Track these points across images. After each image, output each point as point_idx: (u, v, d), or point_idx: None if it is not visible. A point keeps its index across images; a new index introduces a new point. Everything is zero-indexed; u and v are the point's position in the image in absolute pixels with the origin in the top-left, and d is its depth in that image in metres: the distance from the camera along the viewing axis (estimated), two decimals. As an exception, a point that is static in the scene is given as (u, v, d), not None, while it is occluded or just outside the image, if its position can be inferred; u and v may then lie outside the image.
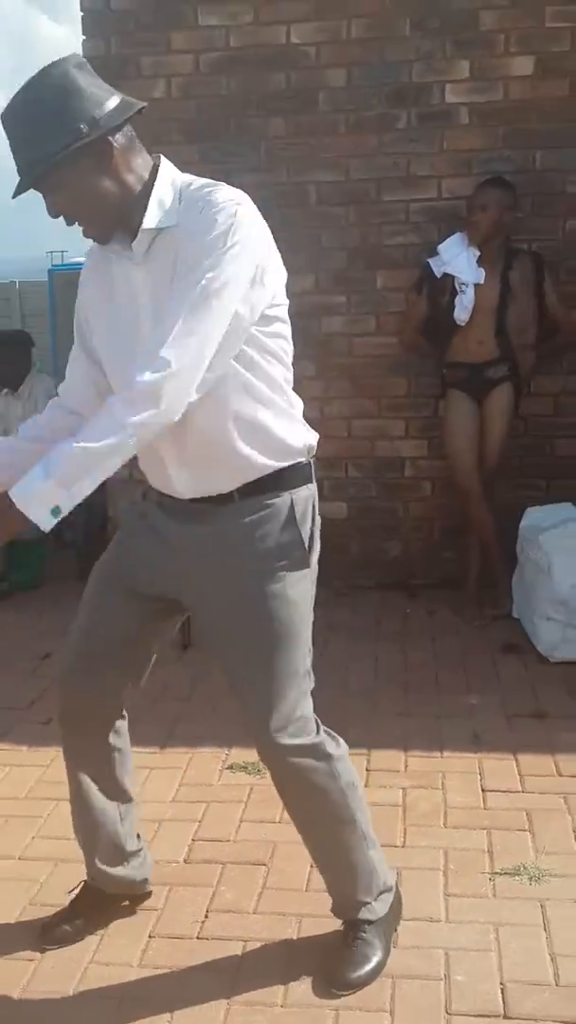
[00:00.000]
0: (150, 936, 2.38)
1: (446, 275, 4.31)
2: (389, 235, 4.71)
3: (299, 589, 2.10)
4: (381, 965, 2.23)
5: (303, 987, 2.20)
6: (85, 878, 2.43)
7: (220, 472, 2.05)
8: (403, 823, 2.83)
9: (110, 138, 1.88)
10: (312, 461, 2.15)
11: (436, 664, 3.93)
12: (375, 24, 4.59)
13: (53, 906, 2.47)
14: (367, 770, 3.10)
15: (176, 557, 2.12)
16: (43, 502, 1.84)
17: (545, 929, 2.37)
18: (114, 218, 1.94)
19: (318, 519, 2.15)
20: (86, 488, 1.86)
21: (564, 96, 4.53)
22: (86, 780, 2.30)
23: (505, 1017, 2.10)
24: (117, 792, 2.34)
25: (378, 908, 2.28)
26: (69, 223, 1.95)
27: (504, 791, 2.98)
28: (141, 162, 1.95)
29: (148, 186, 1.93)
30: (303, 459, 2.11)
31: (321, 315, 4.71)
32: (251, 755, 3.15)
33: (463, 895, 2.51)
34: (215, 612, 2.11)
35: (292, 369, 2.12)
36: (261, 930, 2.39)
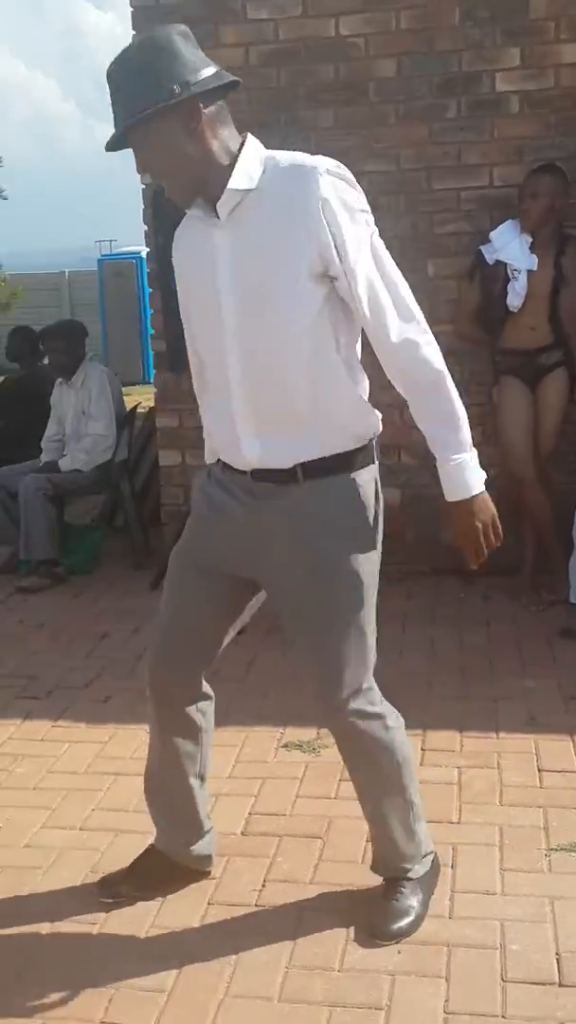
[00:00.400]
0: (209, 903, 2.42)
1: (499, 262, 4.31)
2: (440, 223, 4.71)
3: (366, 568, 2.15)
4: (420, 918, 2.30)
5: (360, 953, 2.22)
6: (152, 843, 2.49)
7: (287, 444, 2.09)
8: (458, 801, 2.84)
9: (200, 104, 1.95)
10: (375, 442, 2.19)
11: (492, 648, 3.93)
12: (424, 15, 4.60)
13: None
14: (422, 749, 3.12)
15: (246, 537, 2.18)
16: (477, 471, 2.15)
17: (602, 903, 2.37)
18: (195, 181, 2.02)
19: (382, 499, 2.19)
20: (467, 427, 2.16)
21: (615, 82, 4.51)
22: (172, 750, 2.37)
23: (560, 985, 2.11)
24: (198, 768, 2.41)
25: (419, 868, 2.35)
26: (154, 181, 2.02)
27: (560, 771, 2.98)
28: (228, 134, 2.02)
29: (234, 157, 2.00)
30: (367, 441, 2.16)
31: (373, 304, 4.72)
32: (306, 734, 3.22)
33: (519, 870, 2.51)
34: (287, 590, 2.17)
35: None
36: (317, 899, 2.42)
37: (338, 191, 2.00)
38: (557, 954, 2.20)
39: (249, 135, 2.06)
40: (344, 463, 2.12)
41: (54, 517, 4.96)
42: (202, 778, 2.44)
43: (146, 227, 4.91)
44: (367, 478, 2.16)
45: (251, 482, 2.16)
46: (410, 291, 2.11)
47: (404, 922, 2.28)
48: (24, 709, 3.52)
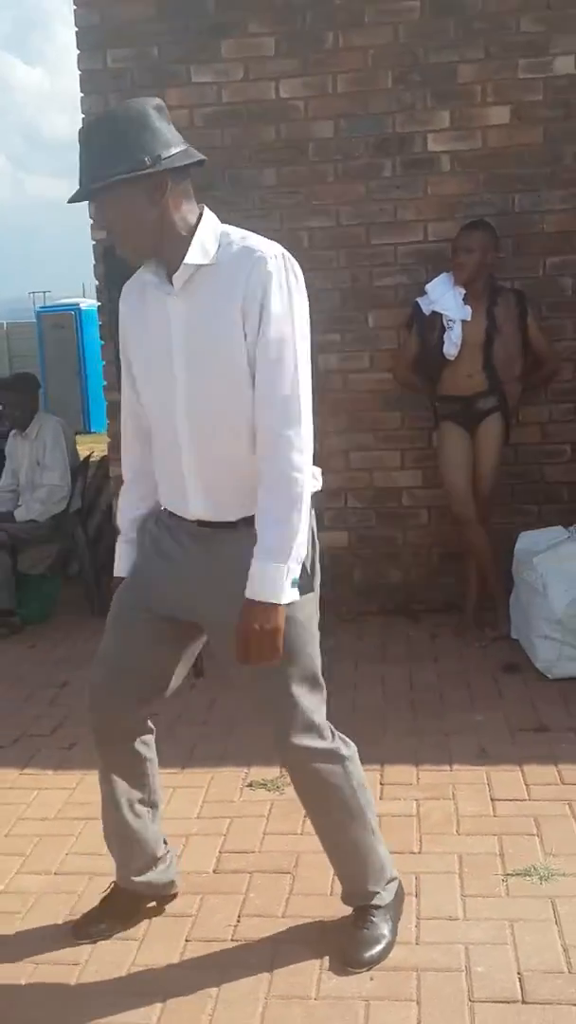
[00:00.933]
0: (186, 940, 2.51)
1: (435, 313, 4.53)
2: (379, 276, 4.94)
3: (307, 610, 2.26)
4: (391, 945, 2.42)
5: (334, 981, 2.34)
6: (114, 880, 2.59)
7: (233, 500, 2.22)
8: (418, 832, 2.98)
9: (168, 178, 2.09)
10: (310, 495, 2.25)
11: (441, 684, 4.09)
12: (359, 79, 4.85)
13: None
14: (380, 784, 3.26)
15: (187, 581, 2.29)
16: (285, 579, 2.10)
17: (557, 923, 2.51)
18: (151, 247, 2.16)
19: (318, 545, 2.31)
20: (304, 539, 2.14)
21: (538, 143, 4.79)
22: (119, 786, 2.47)
23: (524, 1002, 2.25)
24: (147, 797, 2.51)
25: (385, 896, 2.48)
26: (108, 238, 2.14)
27: (512, 800, 3.13)
28: (188, 208, 2.16)
29: (192, 229, 2.14)
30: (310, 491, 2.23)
31: (317, 353, 4.82)
32: (269, 773, 3.34)
33: (478, 895, 2.65)
34: (228, 634, 2.23)
35: None
36: (290, 932, 2.53)
37: (279, 276, 2.11)
38: (519, 973, 2.34)
39: (206, 208, 2.20)
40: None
41: (9, 567, 5.03)
42: (153, 805, 2.53)
43: (97, 282, 5.05)
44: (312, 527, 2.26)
45: (196, 528, 2.27)
46: (307, 395, 2.14)
47: (376, 950, 2.40)
48: (-10, 758, 3.59)
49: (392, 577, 5.05)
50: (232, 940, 2.51)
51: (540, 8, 4.68)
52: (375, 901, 2.46)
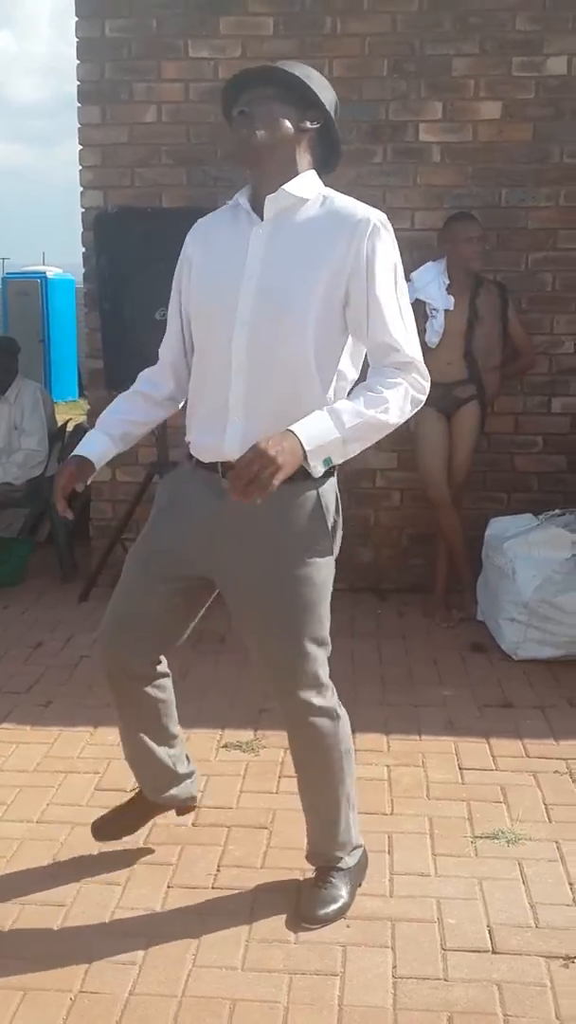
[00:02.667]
0: (168, 886, 2.59)
1: (418, 301, 4.61)
2: (364, 261, 5.01)
3: (324, 572, 2.34)
4: (346, 907, 2.49)
5: (313, 928, 2.43)
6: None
7: None
8: (390, 795, 3.08)
9: (320, 121, 2.25)
10: None
11: (409, 660, 4.20)
12: (355, 65, 4.92)
13: (76, 862, 2.68)
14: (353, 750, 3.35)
15: (208, 534, 2.33)
16: (326, 452, 2.08)
17: (524, 883, 2.64)
18: (268, 157, 2.21)
19: (340, 508, 2.38)
20: (357, 450, 2.16)
21: (527, 139, 4.91)
22: (133, 723, 2.56)
23: (494, 952, 2.36)
24: (164, 737, 2.59)
25: (348, 860, 2.55)
26: (245, 128, 2.19)
27: (479, 769, 3.25)
28: (311, 160, 2.29)
29: (300, 172, 2.25)
30: None
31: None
32: (244, 735, 3.43)
33: (449, 855, 2.77)
34: (245, 589, 2.32)
35: None
36: (269, 882, 2.62)
37: (383, 242, 2.20)
38: (488, 927, 2.45)
39: (315, 172, 2.30)
40: (309, 472, 2.17)
41: (-18, 528, 5.04)
42: (171, 742, 2.61)
43: (84, 249, 5.06)
44: (328, 488, 2.31)
45: (219, 479, 2.27)
46: (416, 339, 2.25)
47: (331, 908, 2.47)
48: (-34, 712, 3.62)
49: (363, 556, 5.14)
50: (213, 888, 2.60)
51: (536, 8, 4.79)
52: (339, 864, 2.54)
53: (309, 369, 2.21)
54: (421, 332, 4.52)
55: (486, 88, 4.90)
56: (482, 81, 4.90)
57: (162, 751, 2.59)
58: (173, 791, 2.67)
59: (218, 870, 2.67)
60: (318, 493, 2.30)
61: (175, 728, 2.63)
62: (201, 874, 2.65)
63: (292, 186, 2.21)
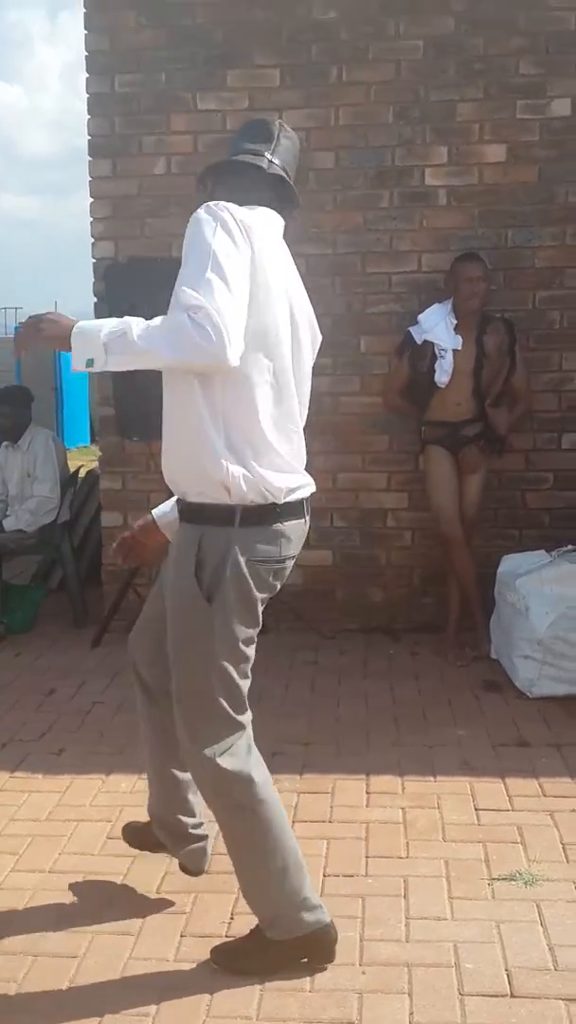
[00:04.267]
0: (182, 935, 2.57)
1: (426, 341, 4.66)
2: (373, 304, 5.07)
3: (201, 622, 2.24)
4: (251, 972, 2.37)
5: (328, 975, 2.40)
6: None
7: (179, 479, 2.32)
8: (405, 837, 3.05)
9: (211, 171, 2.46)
10: (243, 509, 2.21)
11: (423, 700, 4.18)
12: (361, 112, 5.01)
13: (88, 912, 2.66)
14: (367, 792, 3.33)
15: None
16: (88, 351, 2.07)
17: (542, 925, 2.60)
18: None
19: (239, 566, 2.22)
20: (120, 365, 2.10)
21: (533, 181, 4.96)
22: (151, 736, 2.60)
23: (512, 996, 2.32)
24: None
25: (272, 934, 2.41)
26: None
27: (495, 810, 3.22)
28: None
29: None
30: (230, 502, 2.20)
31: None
32: (258, 779, 3.38)
33: (465, 897, 2.73)
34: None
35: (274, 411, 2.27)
36: (284, 928, 2.59)
37: (194, 222, 2.21)
38: (507, 970, 2.41)
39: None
40: (196, 515, 2.25)
41: (-4, 575, 5.07)
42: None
43: (96, 298, 5.12)
44: (212, 536, 2.21)
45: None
46: (225, 280, 2.10)
47: (236, 964, 2.40)
48: (-20, 760, 3.62)
49: (374, 596, 5.14)
50: (227, 936, 2.56)
51: (539, 52, 4.87)
52: (263, 931, 2.42)
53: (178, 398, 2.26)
54: (429, 372, 4.63)
55: (491, 131, 4.97)
56: (487, 125, 4.97)
57: (175, 770, 2.60)
58: (183, 849, 2.67)
59: (232, 918, 2.64)
60: (199, 539, 2.24)
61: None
62: (215, 922, 2.62)
63: None
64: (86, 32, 5.10)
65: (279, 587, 2.39)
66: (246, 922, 2.60)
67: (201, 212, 2.20)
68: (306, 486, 2.39)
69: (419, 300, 4.95)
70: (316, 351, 2.51)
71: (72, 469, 5.83)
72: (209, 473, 2.21)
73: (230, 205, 2.20)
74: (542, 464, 5.05)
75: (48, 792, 3.38)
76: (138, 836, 2.82)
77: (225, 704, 2.32)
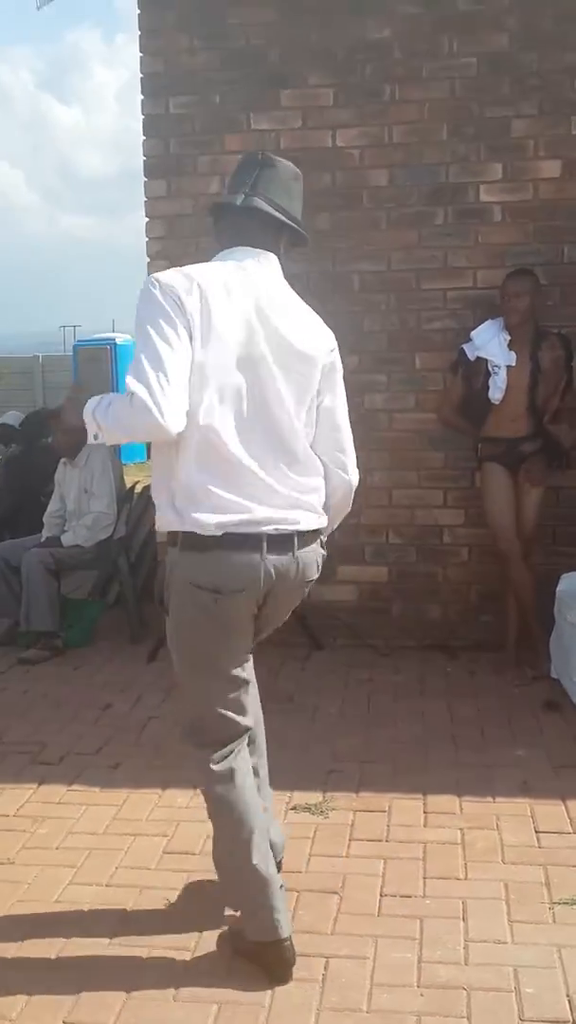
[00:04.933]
0: (237, 952, 2.55)
1: (480, 358, 4.63)
2: (427, 320, 5.05)
3: (173, 636, 2.50)
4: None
5: (385, 997, 2.37)
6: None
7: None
8: (463, 859, 3.01)
9: (210, 214, 2.58)
10: (190, 536, 2.35)
11: (481, 720, 4.12)
12: (415, 130, 5.00)
13: (144, 927, 2.66)
14: (424, 812, 3.29)
15: None
16: (92, 424, 2.32)
17: (604, 951, 2.54)
18: None
19: (186, 589, 2.39)
20: (108, 437, 2.33)
21: (588, 196, 4.91)
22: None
23: (574, 1023, 2.27)
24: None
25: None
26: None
27: (556, 832, 3.16)
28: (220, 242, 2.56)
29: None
30: (184, 529, 2.36)
31: (364, 392, 5.04)
32: (313, 797, 3.39)
33: (526, 921, 2.68)
34: None
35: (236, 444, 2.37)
36: (340, 947, 2.57)
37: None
38: (568, 996, 2.36)
39: (222, 250, 2.53)
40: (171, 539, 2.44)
41: (55, 591, 5.12)
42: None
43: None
44: (174, 559, 2.41)
45: None
46: (154, 359, 2.26)
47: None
48: (39, 774, 3.64)
49: (431, 613, 5.10)
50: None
51: (594, 67, 4.83)
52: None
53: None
54: (484, 389, 4.60)
55: (545, 147, 4.93)
56: (541, 140, 4.93)
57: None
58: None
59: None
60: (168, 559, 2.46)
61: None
62: (271, 939, 2.60)
63: None
64: (141, 55, 5.17)
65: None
66: (302, 941, 2.59)
67: (139, 289, 2.37)
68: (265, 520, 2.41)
69: (474, 316, 4.92)
70: (323, 372, 2.52)
71: (128, 485, 5.88)
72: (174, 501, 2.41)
73: (160, 275, 2.35)
74: (602, 481, 4.98)
75: (105, 806, 3.39)
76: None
77: (201, 707, 2.54)
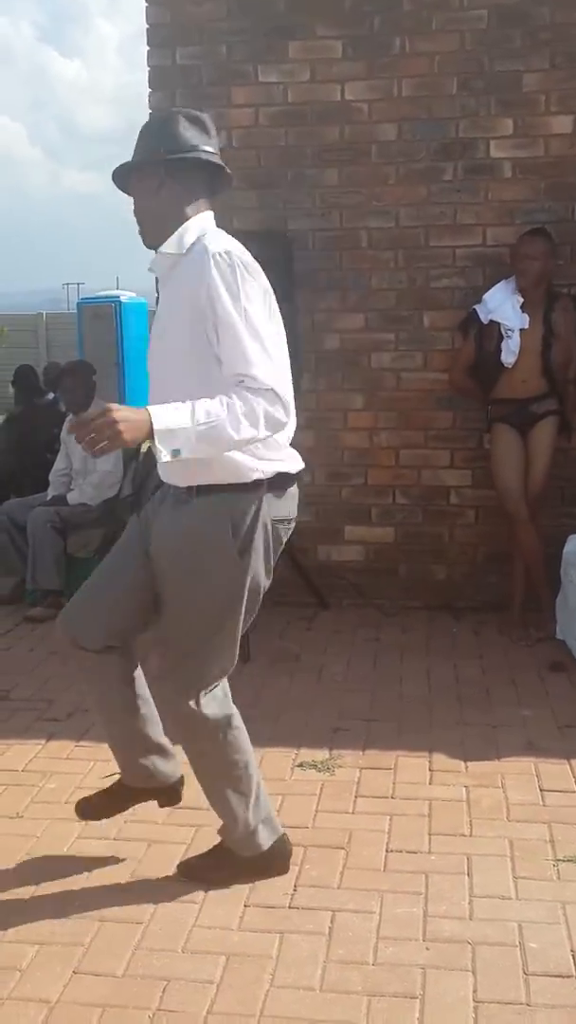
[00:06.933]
0: (245, 905, 2.58)
1: (492, 322, 4.58)
2: (436, 278, 5.00)
3: (223, 574, 2.51)
4: (213, 882, 2.66)
5: (391, 950, 2.39)
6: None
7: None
8: (468, 816, 3.03)
9: (164, 173, 2.41)
10: (259, 483, 2.44)
11: (486, 679, 4.14)
12: (424, 84, 4.92)
13: (153, 880, 2.69)
14: (430, 770, 3.31)
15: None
16: (175, 441, 2.20)
17: (609, 907, 2.57)
18: (152, 234, 2.47)
19: (260, 531, 2.46)
20: (207, 452, 2.27)
21: (601, 153, 4.84)
22: (104, 693, 2.67)
23: (579, 977, 2.30)
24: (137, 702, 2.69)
25: (241, 853, 2.68)
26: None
27: (561, 791, 3.18)
28: (190, 207, 2.44)
29: (183, 222, 2.42)
30: (247, 480, 2.43)
31: (371, 351, 5.01)
32: (319, 754, 3.41)
33: (530, 878, 2.70)
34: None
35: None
36: (347, 901, 2.59)
37: (221, 273, 2.30)
38: (572, 951, 2.38)
39: (208, 211, 2.49)
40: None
41: (61, 549, 5.12)
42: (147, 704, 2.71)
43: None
44: (239, 502, 2.48)
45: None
46: (275, 368, 2.30)
47: (194, 872, 2.69)
48: (46, 731, 3.67)
49: (437, 574, 5.10)
50: (290, 908, 2.57)
51: (608, 20, 4.74)
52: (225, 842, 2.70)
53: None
54: (496, 352, 4.56)
55: (557, 102, 4.85)
56: (553, 95, 4.85)
57: (141, 714, 2.67)
58: (155, 760, 2.75)
59: (295, 889, 2.65)
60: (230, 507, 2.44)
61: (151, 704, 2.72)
62: (278, 893, 2.63)
63: (165, 246, 2.45)
64: (147, 4, 5.08)
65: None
66: (309, 895, 2.62)
67: (221, 262, 2.32)
68: None
69: (484, 274, 4.88)
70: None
71: (135, 444, 5.86)
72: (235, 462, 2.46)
73: (231, 247, 2.36)
74: (609, 442, 4.95)
75: (112, 762, 3.37)
76: (97, 808, 2.85)
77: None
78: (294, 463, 2.54)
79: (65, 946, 2.42)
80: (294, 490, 2.56)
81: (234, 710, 2.61)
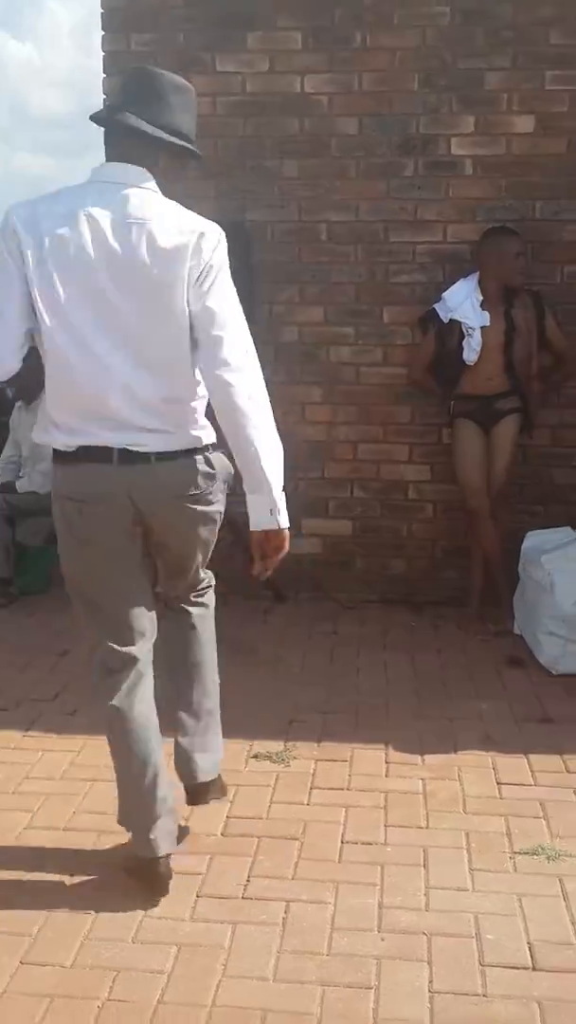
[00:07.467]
0: (197, 896, 2.52)
1: (453, 320, 4.56)
2: (395, 273, 4.97)
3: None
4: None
5: (346, 940, 2.35)
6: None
7: None
8: (425, 808, 2.99)
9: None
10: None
11: (444, 673, 4.11)
12: (385, 78, 4.88)
13: (104, 870, 2.63)
14: (386, 762, 3.27)
15: None
16: (282, 503, 2.43)
17: (565, 900, 2.54)
18: None
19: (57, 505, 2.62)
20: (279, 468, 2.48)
21: (562, 153, 4.83)
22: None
23: (534, 969, 2.27)
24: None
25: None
26: None
27: (518, 784, 3.15)
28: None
29: None
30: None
31: (330, 344, 4.97)
32: (274, 746, 3.36)
33: (487, 870, 2.67)
34: None
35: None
36: (301, 892, 2.55)
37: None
38: (529, 943, 2.36)
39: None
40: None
41: (8, 538, 5.03)
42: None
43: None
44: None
45: None
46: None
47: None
48: (-6, 720, 3.58)
49: (395, 568, 5.07)
50: (243, 898, 2.53)
51: (570, 22, 4.73)
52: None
53: None
54: (458, 350, 4.55)
55: (519, 102, 4.84)
56: (515, 95, 4.84)
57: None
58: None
59: (248, 880, 2.60)
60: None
61: None
62: (231, 884, 2.58)
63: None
64: (103, -12, 5.00)
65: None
66: (263, 886, 2.57)
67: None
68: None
69: (444, 271, 4.86)
70: (191, 278, 2.43)
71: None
72: None
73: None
74: (569, 440, 4.94)
75: (62, 751, 3.34)
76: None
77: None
78: (67, 439, 2.51)
79: (12, 936, 2.35)
80: (87, 468, 2.48)
81: (131, 709, 2.57)
